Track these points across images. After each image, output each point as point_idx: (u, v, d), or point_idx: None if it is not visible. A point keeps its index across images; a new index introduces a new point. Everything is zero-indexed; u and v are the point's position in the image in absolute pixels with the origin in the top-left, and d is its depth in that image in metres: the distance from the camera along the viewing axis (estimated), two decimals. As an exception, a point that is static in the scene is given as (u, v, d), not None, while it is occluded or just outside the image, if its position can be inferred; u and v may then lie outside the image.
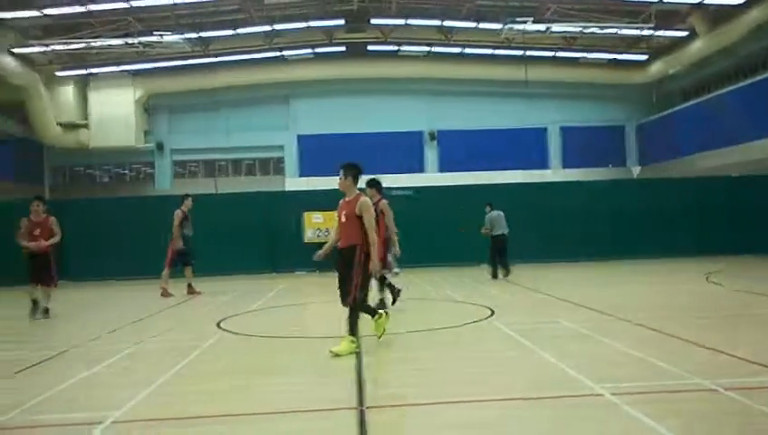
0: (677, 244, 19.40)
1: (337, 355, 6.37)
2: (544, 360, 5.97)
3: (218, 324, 8.92)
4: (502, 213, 15.58)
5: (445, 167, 36.14)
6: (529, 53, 32.55)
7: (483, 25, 29.56)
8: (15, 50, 30.25)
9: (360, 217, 6.68)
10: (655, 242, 19.53)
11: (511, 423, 4.27)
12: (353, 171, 7.11)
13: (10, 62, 30.45)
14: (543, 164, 35.67)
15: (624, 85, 35.42)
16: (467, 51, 33.43)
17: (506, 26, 27.45)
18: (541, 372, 5.60)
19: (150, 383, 5.49)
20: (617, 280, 14.67)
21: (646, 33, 29.12)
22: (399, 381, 5.45)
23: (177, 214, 13.35)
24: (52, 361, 6.84)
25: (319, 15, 30.04)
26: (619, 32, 29.08)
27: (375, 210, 7.50)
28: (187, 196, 14.04)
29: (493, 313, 9.11)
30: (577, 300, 10.22)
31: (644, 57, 33.27)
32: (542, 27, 27.88)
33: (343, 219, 6.84)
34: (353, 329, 6.67)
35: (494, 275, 15.16)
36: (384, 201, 9.73)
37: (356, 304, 6.66)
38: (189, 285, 13.73)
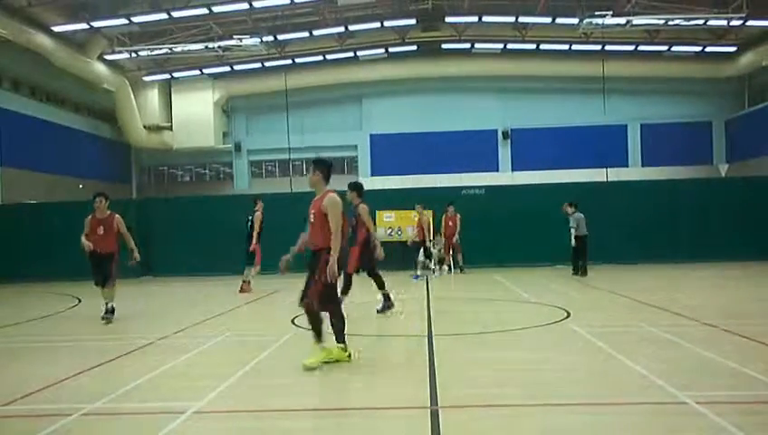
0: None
1: (311, 368, 5.88)
2: (625, 365, 5.75)
3: (293, 321, 9.09)
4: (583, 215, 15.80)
5: (519, 165, 35.51)
6: (608, 47, 31.50)
7: (559, 20, 28.78)
8: (106, 56, 32.00)
9: (326, 216, 6.25)
10: (744, 244, 18.44)
11: (592, 431, 4.12)
12: (322, 167, 6.46)
13: (102, 68, 32.25)
14: (623, 162, 34.38)
15: (711, 79, 33.67)
16: (543, 47, 32.68)
17: (584, 21, 26.61)
18: (622, 377, 5.39)
19: (230, 376, 5.65)
20: (703, 284, 13.96)
21: (736, 22, 27.50)
22: (473, 382, 5.38)
23: (258, 216, 13.80)
24: (139, 352, 7.16)
25: (392, 15, 30.12)
26: (707, 22, 27.60)
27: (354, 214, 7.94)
28: (258, 198, 14.49)
29: (569, 314, 8.86)
30: (660, 303, 9.79)
31: (734, 49, 31.48)
32: (621, 21, 26.85)
33: (311, 219, 6.42)
34: (338, 337, 6.29)
35: (576, 272, 15.65)
36: (363, 205, 9.47)
37: (312, 310, 6.24)
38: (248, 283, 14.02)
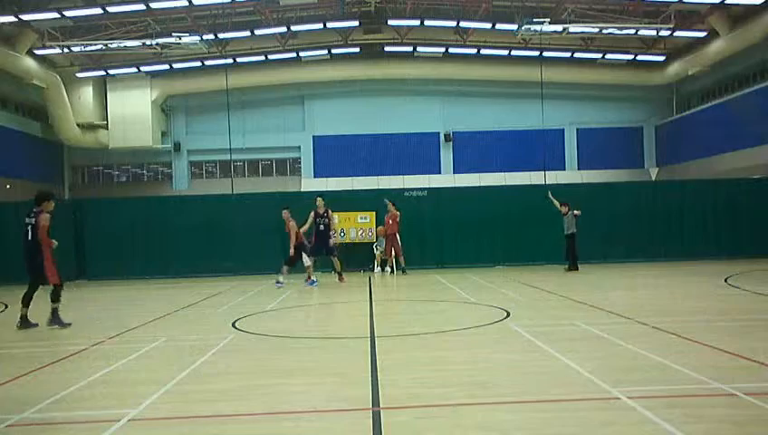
0: (696, 246, 19.20)
1: None
2: (562, 362, 5.92)
3: (233, 324, 8.95)
4: None
5: (460, 168, 36.10)
6: (546, 53, 32.42)
7: (499, 26, 29.49)
8: (36, 51, 30.66)
9: None
10: (674, 244, 19.34)
11: (528, 426, 4.23)
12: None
13: (31, 63, 30.90)
14: (560, 165, 35.43)
15: (642, 86, 35.14)
16: (483, 51, 33.39)
17: (523, 27, 27.33)
18: (559, 374, 5.55)
19: (167, 382, 5.52)
20: (635, 283, 14.51)
21: (665, 33, 28.85)
22: (415, 382, 5.43)
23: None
24: (72, 359, 6.90)
25: (335, 17, 30.11)
26: (638, 32, 28.83)
27: None
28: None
29: (508, 314, 9.05)
30: (595, 302, 10.13)
31: (663, 58, 33.00)
32: (558, 28, 27.73)
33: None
34: None
35: (575, 268, 16.67)
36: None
37: None
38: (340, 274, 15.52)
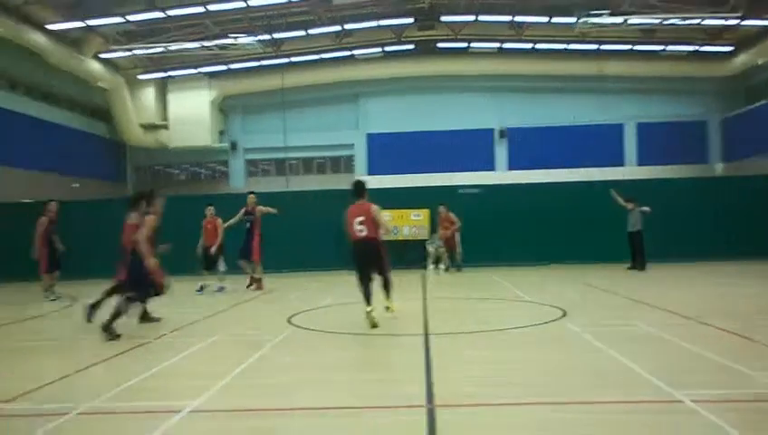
0: (765, 245, 18.33)
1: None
2: (621, 363, 5.77)
3: (289, 320, 9.09)
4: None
5: (515, 164, 35.59)
6: (604, 47, 31.57)
7: (556, 20, 28.86)
8: (101, 55, 31.91)
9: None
10: (741, 243, 18.52)
11: (586, 429, 4.14)
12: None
13: (97, 66, 32.16)
14: (618, 161, 34.46)
15: (707, 78, 33.78)
16: (539, 46, 32.74)
17: (580, 20, 26.68)
18: (618, 375, 5.41)
19: (226, 375, 5.65)
20: (697, 282, 14.00)
21: (732, 22, 27.60)
22: (470, 381, 5.39)
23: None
24: (136, 351, 7.15)
25: (388, 14, 30.13)
26: (703, 22, 27.70)
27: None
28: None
29: (565, 313, 8.88)
30: (656, 302, 9.82)
31: (730, 48, 31.59)
32: (618, 20, 26.94)
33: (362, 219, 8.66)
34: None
35: (633, 267, 16.14)
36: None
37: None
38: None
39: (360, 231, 8.51)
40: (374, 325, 8.11)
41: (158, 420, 4.40)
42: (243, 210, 14.19)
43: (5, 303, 13.35)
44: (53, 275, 13.49)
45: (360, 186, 8.85)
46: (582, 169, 30.31)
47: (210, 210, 14.17)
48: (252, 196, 14.61)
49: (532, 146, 35.35)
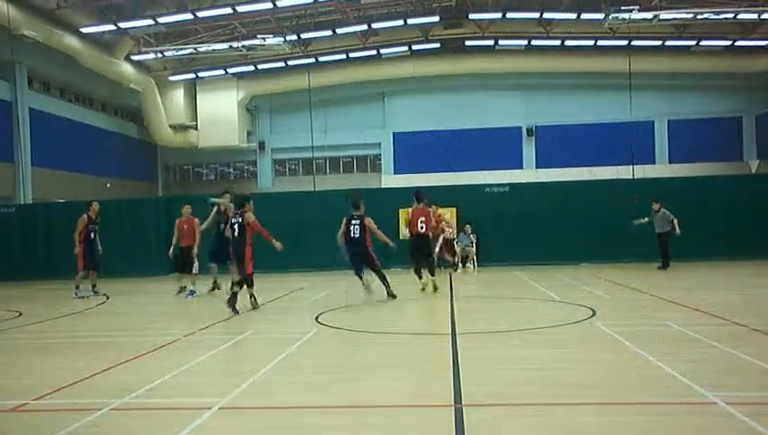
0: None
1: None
2: (653, 364, 5.67)
3: (317, 319, 9.14)
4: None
5: (543, 163, 35.27)
6: (634, 42, 31.07)
7: (585, 16, 28.50)
8: (133, 57, 32.45)
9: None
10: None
11: (616, 430, 4.08)
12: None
13: (128, 68, 32.72)
14: (649, 159, 33.90)
15: (741, 74, 33.05)
16: (568, 43, 32.39)
17: (610, 16, 26.28)
18: (649, 376, 5.32)
19: (255, 373, 5.70)
20: (732, 282, 13.70)
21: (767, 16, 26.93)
22: (497, 380, 5.35)
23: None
24: (166, 348, 7.26)
25: (415, 13, 30.08)
26: (737, 16, 27.06)
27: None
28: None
29: (594, 313, 8.77)
30: (688, 302, 9.64)
31: (765, 43, 30.82)
32: (649, 15, 26.49)
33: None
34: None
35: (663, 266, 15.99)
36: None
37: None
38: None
39: (421, 228, 11.95)
40: (429, 289, 11.98)
41: (188, 417, 4.46)
42: (215, 210, 12.96)
43: (45, 299, 13.65)
44: (91, 274, 13.78)
45: (419, 194, 12.50)
46: (612, 168, 29.89)
47: (187, 209, 13.34)
48: (226, 195, 12.80)
49: (560, 144, 35.01)
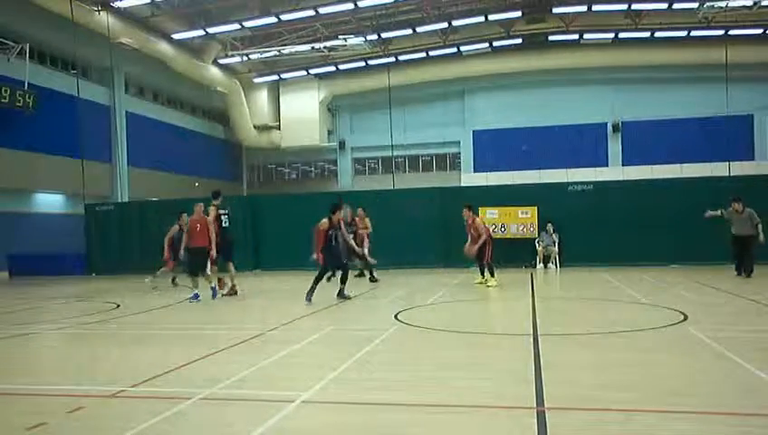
0: None
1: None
2: (750, 372, 5.33)
3: (396, 316, 9.17)
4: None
5: (630, 160, 33.94)
6: (732, 31, 29.34)
7: (677, 5, 27.17)
8: (220, 60, 33.72)
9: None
10: None
11: (711, 440, 3.86)
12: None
13: (216, 72, 34.05)
14: (747, 155, 31.95)
15: None
16: (658, 34, 31.00)
17: (705, 4, 24.92)
18: (746, 385, 5.01)
19: (336, 368, 5.79)
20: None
21: None
22: (582, 383, 5.19)
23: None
24: (251, 342, 7.50)
25: (497, 9, 29.66)
26: None
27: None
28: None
29: (686, 317, 8.34)
30: (790, 308, 9.01)
31: None
32: (748, 2, 24.92)
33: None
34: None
35: (739, 273, 14.26)
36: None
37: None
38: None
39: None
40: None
41: (272, 409, 4.58)
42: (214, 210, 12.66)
43: (140, 293, 14.41)
44: (168, 268, 14.94)
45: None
46: (705, 164, 28.38)
47: (199, 207, 12.16)
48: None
49: (648, 140, 33.61)
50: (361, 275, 15.94)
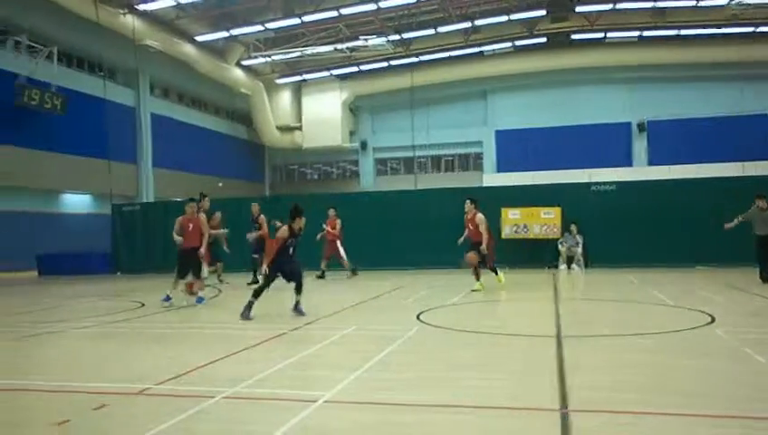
0: None
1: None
2: (781, 377, 5.22)
3: (418, 317, 9.15)
4: None
5: (655, 159, 33.49)
6: (761, 29, 28.79)
7: (704, 2, 26.71)
8: (243, 62, 33.99)
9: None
10: None
11: (740, 445, 3.79)
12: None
13: (239, 73, 34.33)
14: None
15: None
16: (684, 32, 30.52)
17: (734, 1, 24.45)
18: (776, 390, 4.91)
19: (357, 369, 5.80)
20: None
21: None
22: (607, 385, 5.13)
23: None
24: (275, 341, 7.54)
25: (519, 8, 29.46)
26: None
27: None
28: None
29: (713, 319, 8.20)
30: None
31: None
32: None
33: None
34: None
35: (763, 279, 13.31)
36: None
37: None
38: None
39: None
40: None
41: (296, 408, 4.60)
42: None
43: (163, 291, 14.59)
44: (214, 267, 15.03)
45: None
46: (734, 164, 27.87)
47: (192, 207, 11.61)
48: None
49: (674, 140, 33.12)
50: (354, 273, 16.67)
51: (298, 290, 9.75)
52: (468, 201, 13.26)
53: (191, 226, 11.41)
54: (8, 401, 5.12)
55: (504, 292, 12.80)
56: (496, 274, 13.16)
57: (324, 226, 16.58)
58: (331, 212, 16.81)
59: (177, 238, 11.36)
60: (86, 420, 4.50)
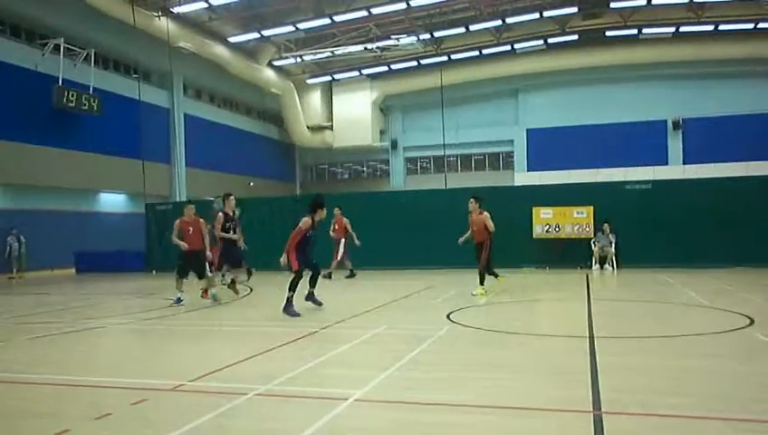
0: None
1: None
2: (824, 381, 5.08)
3: (448, 316, 9.13)
4: None
5: (691, 158, 32.80)
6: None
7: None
8: (274, 62, 34.30)
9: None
10: None
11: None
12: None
13: (270, 73, 34.65)
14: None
15: None
16: (722, 27, 29.80)
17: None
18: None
19: (388, 368, 5.81)
20: None
21: None
22: (642, 387, 5.04)
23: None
24: (306, 339, 7.60)
25: (552, 5, 29.13)
26: None
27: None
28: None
29: (752, 321, 8.00)
30: None
31: None
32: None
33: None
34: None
35: None
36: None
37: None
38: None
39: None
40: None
41: (327, 406, 4.63)
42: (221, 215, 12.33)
43: (197, 290, 14.81)
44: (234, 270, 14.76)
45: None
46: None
47: (190, 209, 11.66)
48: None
49: (711, 137, 32.39)
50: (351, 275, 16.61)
51: (314, 282, 10.04)
52: (473, 200, 12.23)
53: (191, 229, 11.47)
54: (52, 395, 5.26)
55: (533, 292, 12.69)
56: (496, 277, 12.44)
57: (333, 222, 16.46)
58: (337, 211, 16.58)
59: (182, 244, 11.37)
60: (125, 414, 4.61)
